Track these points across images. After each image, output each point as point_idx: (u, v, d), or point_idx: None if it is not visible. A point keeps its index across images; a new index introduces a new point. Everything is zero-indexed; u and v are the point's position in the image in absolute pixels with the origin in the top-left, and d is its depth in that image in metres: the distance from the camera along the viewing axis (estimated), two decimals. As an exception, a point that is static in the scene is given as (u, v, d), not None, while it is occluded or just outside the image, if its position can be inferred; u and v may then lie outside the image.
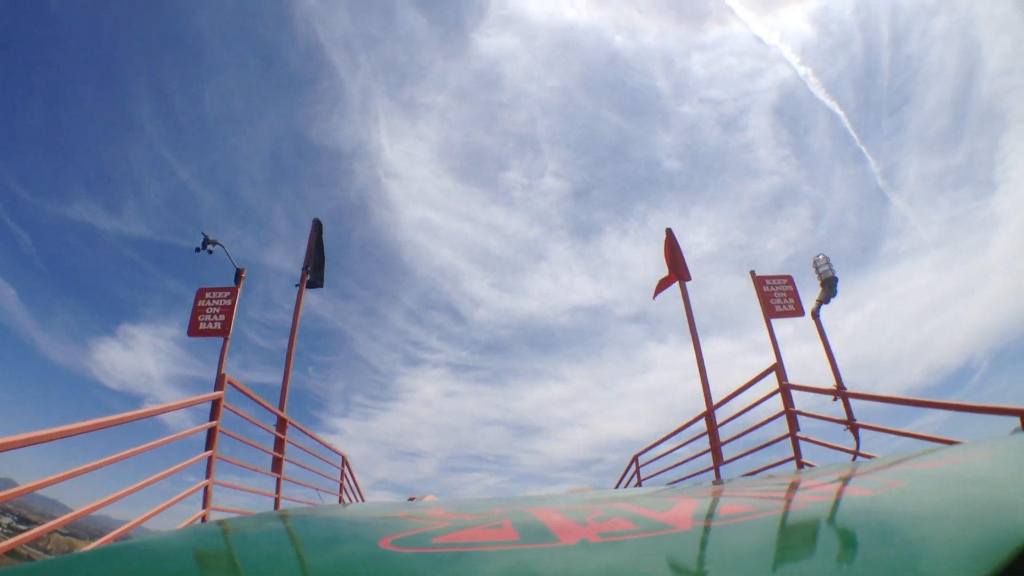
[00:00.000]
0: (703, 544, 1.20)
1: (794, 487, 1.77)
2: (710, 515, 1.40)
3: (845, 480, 1.76)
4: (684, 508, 1.50)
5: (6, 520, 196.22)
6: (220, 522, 1.72)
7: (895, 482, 1.56)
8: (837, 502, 1.47)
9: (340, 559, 1.29)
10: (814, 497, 1.54)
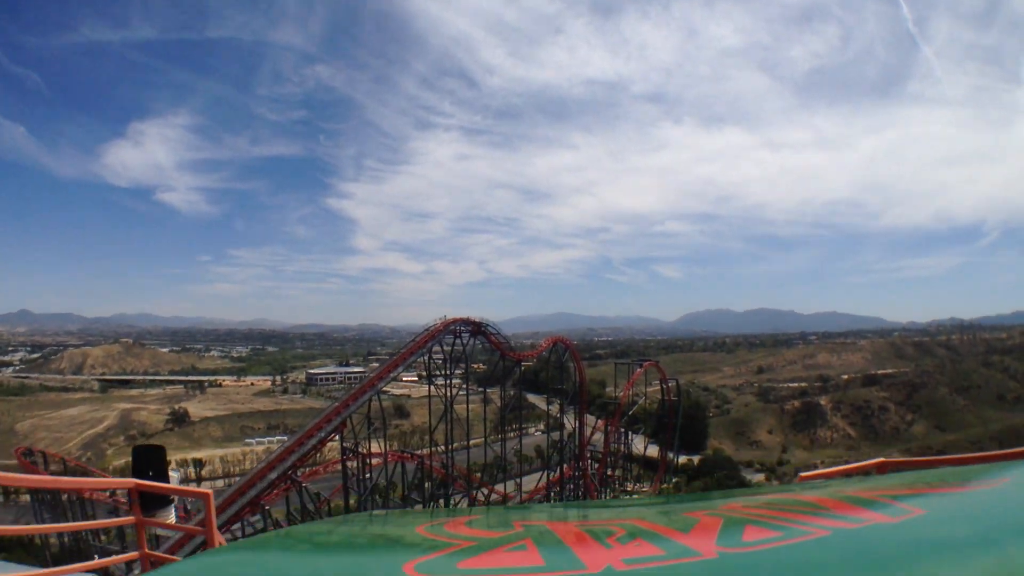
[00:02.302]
0: (730, 575, 1.21)
1: (816, 508, 1.72)
2: (735, 540, 1.40)
3: (866, 503, 1.72)
4: (707, 529, 1.51)
5: (20, 354, 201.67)
6: (236, 544, 1.77)
7: (916, 509, 1.61)
8: (861, 530, 1.45)
9: None
10: (837, 523, 1.53)
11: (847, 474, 4.26)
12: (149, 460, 9.21)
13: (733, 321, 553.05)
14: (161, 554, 5.88)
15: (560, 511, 2.24)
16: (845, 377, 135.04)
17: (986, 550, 1.18)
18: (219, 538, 4.90)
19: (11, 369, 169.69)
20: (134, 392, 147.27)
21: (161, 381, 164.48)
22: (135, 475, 8.89)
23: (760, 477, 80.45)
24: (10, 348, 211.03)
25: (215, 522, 4.88)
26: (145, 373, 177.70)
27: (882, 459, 4.42)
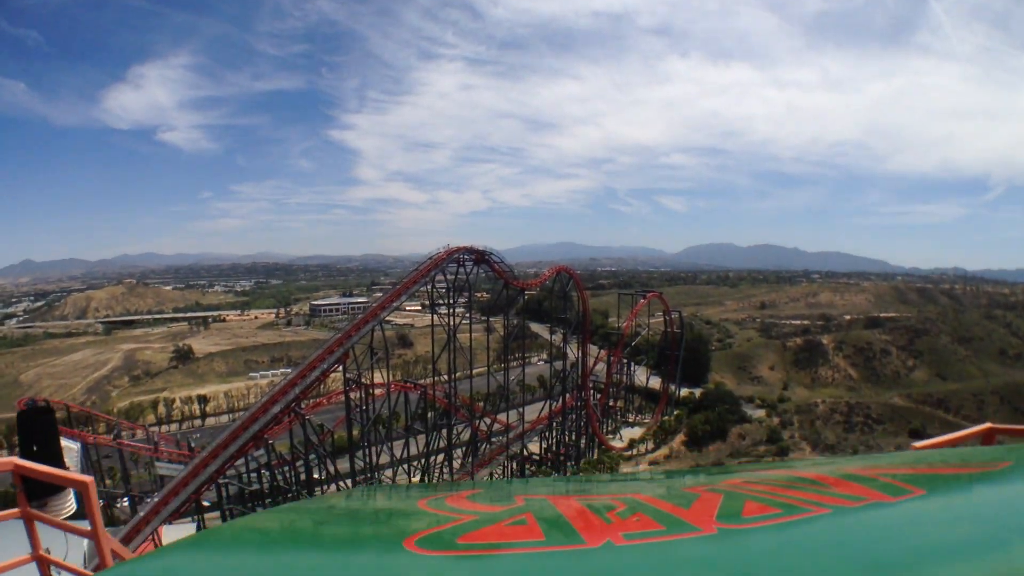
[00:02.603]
0: (728, 551, 1.26)
1: (817, 486, 1.72)
2: (734, 516, 1.44)
3: (867, 482, 1.70)
4: (707, 505, 1.55)
5: (23, 304, 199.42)
6: (234, 523, 1.87)
7: (916, 490, 1.60)
8: (859, 510, 1.48)
9: (366, 564, 1.37)
10: (837, 501, 1.56)
11: (955, 443, 3.75)
12: (35, 428, 7.56)
13: (737, 256, 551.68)
14: (61, 561, 4.18)
15: (562, 485, 2.25)
16: (847, 317, 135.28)
17: (984, 536, 1.20)
18: (111, 544, 3.56)
19: (15, 320, 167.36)
20: (138, 332, 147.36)
21: (165, 319, 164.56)
22: (21, 448, 6.94)
23: (761, 413, 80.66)
24: (13, 300, 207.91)
25: (101, 520, 3.43)
26: (149, 312, 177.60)
27: (988, 425, 3.86)
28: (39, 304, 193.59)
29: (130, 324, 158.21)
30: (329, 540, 1.54)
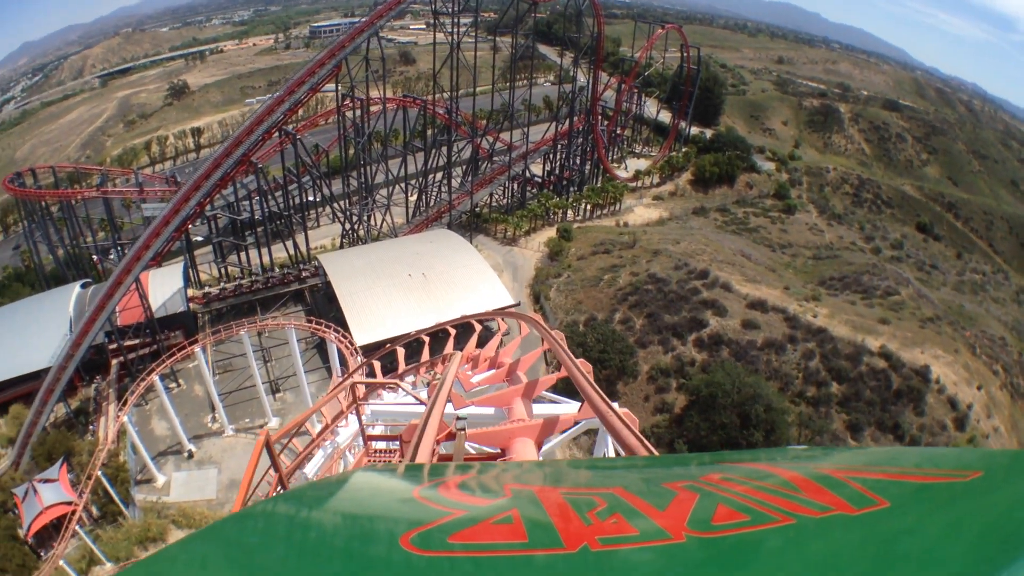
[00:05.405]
0: (692, 561, 1.33)
1: (788, 489, 1.64)
2: (703, 523, 1.49)
3: (835, 487, 1.64)
4: (681, 506, 1.60)
5: (20, 85, 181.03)
6: (223, 522, 1.91)
7: (881, 500, 1.54)
8: (822, 522, 1.48)
9: (363, 566, 1.43)
10: (802, 509, 1.56)
11: None
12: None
13: (757, 8, 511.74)
14: None
15: (549, 473, 2.18)
16: (865, 93, 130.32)
17: (957, 551, 1.20)
18: None
19: (12, 103, 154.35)
20: (133, 77, 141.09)
21: (161, 60, 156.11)
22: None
23: (771, 166, 78.63)
24: (11, 83, 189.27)
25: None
26: (145, 56, 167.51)
27: None
28: (36, 79, 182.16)
29: (126, 72, 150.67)
30: (330, 535, 1.57)
